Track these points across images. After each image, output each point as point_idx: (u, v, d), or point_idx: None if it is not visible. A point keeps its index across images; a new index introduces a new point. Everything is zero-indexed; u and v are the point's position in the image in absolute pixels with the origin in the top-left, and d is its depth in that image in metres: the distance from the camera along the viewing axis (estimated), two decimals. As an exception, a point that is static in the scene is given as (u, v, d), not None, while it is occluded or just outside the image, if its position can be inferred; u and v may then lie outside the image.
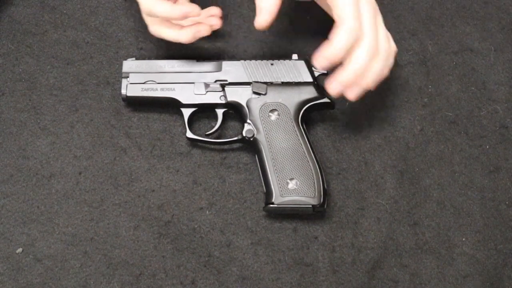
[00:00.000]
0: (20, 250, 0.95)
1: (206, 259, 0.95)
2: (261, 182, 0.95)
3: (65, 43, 1.02)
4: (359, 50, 0.88)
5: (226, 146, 0.99)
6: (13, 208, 0.96)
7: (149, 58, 1.01)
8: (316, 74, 0.97)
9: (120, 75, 0.99)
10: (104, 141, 0.99)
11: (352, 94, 0.91)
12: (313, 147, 0.95)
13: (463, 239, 0.97)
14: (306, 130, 0.96)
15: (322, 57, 0.89)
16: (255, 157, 0.96)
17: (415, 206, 0.98)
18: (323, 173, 0.94)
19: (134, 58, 0.98)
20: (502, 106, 1.01)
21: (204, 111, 0.98)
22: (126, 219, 0.96)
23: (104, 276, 0.95)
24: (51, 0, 1.04)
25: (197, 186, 0.98)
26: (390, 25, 0.93)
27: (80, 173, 0.98)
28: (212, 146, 0.99)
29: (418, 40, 1.03)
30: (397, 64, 1.02)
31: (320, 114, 0.99)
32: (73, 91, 1.01)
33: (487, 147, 1.00)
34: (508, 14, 1.05)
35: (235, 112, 0.98)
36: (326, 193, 0.94)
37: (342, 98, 1.00)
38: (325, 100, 0.96)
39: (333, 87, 0.90)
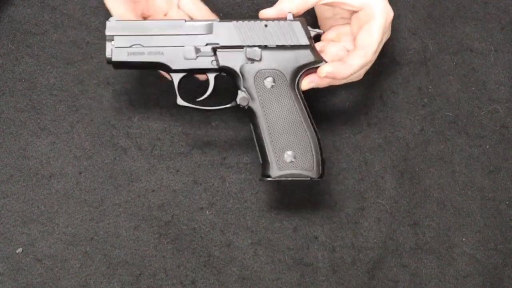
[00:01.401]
0: (20, 250, 0.95)
1: (206, 259, 0.95)
2: (257, 153, 0.91)
3: (65, 43, 1.02)
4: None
5: (232, 152, 0.98)
6: (13, 208, 0.96)
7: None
8: (312, 34, 0.92)
9: (120, 77, 0.99)
10: (104, 141, 0.99)
11: (325, 84, 0.92)
12: (310, 114, 0.91)
13: (463, 239, 0.97)
14: (303, 96, 0.91)
15: (331, 72, 0.89)
16: (250, 126, 0.92)
17: (415, 206, 0.98)
18: (321, 143, 0.90)
19: (117, 17, 0.92)
20: (502, 106, 1.01)
21: (195, 75, 0.94)
22: (126, 219, 0.96)
23: (104, 276, 0.95)
24: (51, 0, 1.04)
25: (197, 186, 0.98)
26: (391, 24, 0.93)
27: (80, 173, 0.98)
28: (220, 154, 0.98)
29: (419, 39, 1.03)
30: (398, 64, 1.02)
31: (320, 114, 0.99)
32: (73, 91, 1.01)
33: (487, 147, 1.00)
34: (508, 14, 1.05)
35: (228, 76, 0.92)
36: (324, 163, 0.90)
37: (342, 98, 1.01)
38: (322, 63, 0.91)
39: (325, 74, 0.90)
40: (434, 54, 1.03)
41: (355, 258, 0.95)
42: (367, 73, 0.94)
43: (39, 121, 0.99)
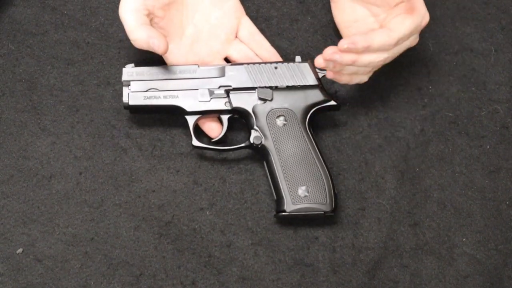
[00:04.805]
0: (20, 250, 0.95)
1: (207, 259, 0.95)
2: (271, 189, 0.95)
3: (66, 44, 1.02)
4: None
5: (232, 152, 0.99)
6: (14, 209, 0.96)
7: (150, 60, 1.01)
8: (321, 75, 0.96)
9: (121, 76, 0.99)
10: (104, 142, 0.99)
11: (348, 60, 0.90)
12: (321, 151, 0.95)
13: (464, 239, 0.97)
14: (313, 134, 0.95)
15: (352, 42, 0.88)
16: (263, 163, 0.95)
17: (416, 206, 0.98)
18: (332, 178, 0.94)
19: (133, 64, 0.96)
20: (503, 106, 1.01)
21: (209, 116, 0.97)
22: (126, 220, 0.96)
23: (105, 276, 0.95)
24: (52, 0, 1.04)
25: (198, 187, 0.98)
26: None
27: (80, 174, 0.98)
28: (220, 154, 0.98)
29: (419, 39, 1.03)
30: (398, 64, 1.02)
31: (320, 114, 0.99)
32: (74, 91, 1.01)
33: (488, 147, 1.00)
34: (508, 14, 1.05)
35: (241, 117, 0.96)
36: (336, 197, 0.93)
37: (343, 100, 1.01)
38: (332, 103, 0.95)
39: (346, 45, 0.88)
40: (434, 54, 1.03)
41: (355, 259, 0.96)
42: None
43: (39, 121, 0.99)
